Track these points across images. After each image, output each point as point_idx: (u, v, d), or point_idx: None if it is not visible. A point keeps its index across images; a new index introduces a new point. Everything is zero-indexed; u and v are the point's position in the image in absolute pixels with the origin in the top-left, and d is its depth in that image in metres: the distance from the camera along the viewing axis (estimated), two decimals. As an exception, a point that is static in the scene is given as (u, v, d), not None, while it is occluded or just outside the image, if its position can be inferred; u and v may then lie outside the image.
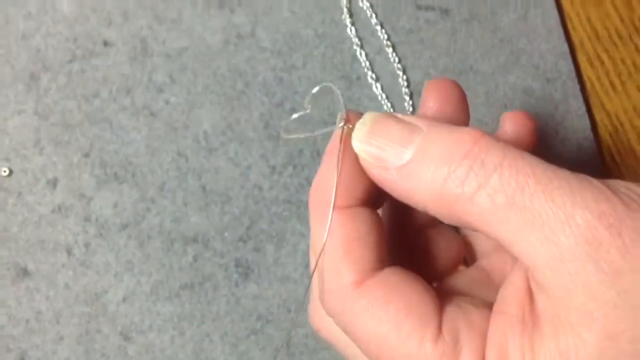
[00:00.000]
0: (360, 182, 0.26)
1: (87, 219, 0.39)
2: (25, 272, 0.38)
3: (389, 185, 0.25)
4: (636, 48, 0.43)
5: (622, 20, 0.43)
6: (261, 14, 0.41)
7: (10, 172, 0.39)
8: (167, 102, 0.40)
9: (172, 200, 0.39)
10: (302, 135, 0.29)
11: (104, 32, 0.41)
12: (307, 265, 0.38)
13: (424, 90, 0.29)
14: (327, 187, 0.26)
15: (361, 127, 0.26)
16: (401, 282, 0.25)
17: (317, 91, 0.29)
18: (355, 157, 0.26)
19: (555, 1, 0.43)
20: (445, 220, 0.25)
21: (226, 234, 0.39)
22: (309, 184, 0.39)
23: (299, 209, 0.39)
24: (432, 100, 0.28)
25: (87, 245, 0.38)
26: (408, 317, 0.24)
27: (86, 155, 0.39)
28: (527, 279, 0.24)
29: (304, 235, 0.39)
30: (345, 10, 0.42)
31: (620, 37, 0.43)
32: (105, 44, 0.41)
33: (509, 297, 0.24)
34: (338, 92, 0.28)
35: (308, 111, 0.30)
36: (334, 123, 0.27)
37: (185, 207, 0.39)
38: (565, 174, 0.22)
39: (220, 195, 0.39)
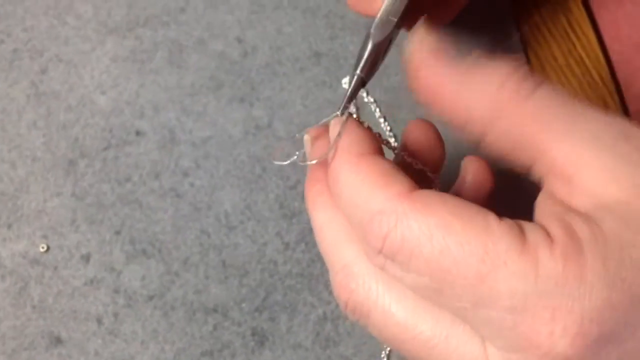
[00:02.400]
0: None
1: (116, 291, 0.42)
2: (58, 340, 0.41)
3: (441, 80, 0.26)
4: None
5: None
6: (277, 107, 0.46)
7: (48, 248, 0.43)
8: (192, 185, 0.44)
9: (194, 273, 0.43)
10: (288, 161, 0.31)
11: (137, 123, 0.46)
12: (318, 334, 0.42)
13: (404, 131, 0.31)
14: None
15: (417, 30, 0.27)
16: (445, 194, 0.25)
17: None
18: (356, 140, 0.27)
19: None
20: (497, 134, 0.25)
21: (244, 304, 0.42)
22: (320, 259, 0.43)
23: (311, 282, 0.43)
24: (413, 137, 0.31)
25: (116, 315, 0.42)
26: (466, 207, 0.24)
27: (117, 232, 0.43)
28: (557, 201, 0.25)
29: (315, 306, 0.42)
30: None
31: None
32: (138, 133, 0.46)
33: (545, 207, 0.25)
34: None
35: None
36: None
37: (206, 280, 0.42)
38: None
39: (239, 269, 0.43)
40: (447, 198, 0.24)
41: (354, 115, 0.29)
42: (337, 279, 0.27)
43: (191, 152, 0.45)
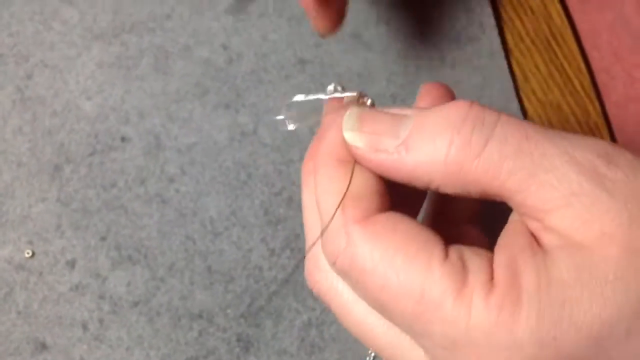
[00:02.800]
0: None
1: (101, 297, 0.42)
2: (43, 346, 0.41)
3: (388, 167, 0.25)
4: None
5: (579, 125, 0.49)
6: (262, 114, 0.47)
7: (33, 254, 0.43)
8: (177, 191, 0.45)
9: (180, 279, 0.43)
10: (304, 123, 0.30)
11: (122, 129, 0.46)
12: (303, 339, 0.42)
13: (418, 94, 0.30)
14: (333, 144, 0.27)
15: (349, 117, 0.26)
16: (404, 218, 0.25)
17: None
18: None
19: (519, 105, 0.49)
20: (451, 191, 0.25)
21: (229, 310, 0.42)
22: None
23: (296, 288, 0.43)
24: (425, 103, 0.29)
25: (101, 321, 0.42)
26: (414, 240, 0.24)
27: (103, 238, 0.43)
28: (526, 228, 0.24)
29: (300, 312, 0.43)
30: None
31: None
32: (123, 139, 0.46)
33: (511, 235, 0.24)
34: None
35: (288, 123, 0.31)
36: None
37: (192, 286, 0.43)
38: (552, 129, 0.24)
39: (224, 275, 0.43)
40: (400, 228, 0.24)
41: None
42: (307, 266, 0.28)
43: (177, 158, 0.45)
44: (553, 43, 0.51)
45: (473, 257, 0.24)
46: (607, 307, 0.22)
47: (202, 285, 0.43)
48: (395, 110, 0.26)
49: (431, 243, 0.24)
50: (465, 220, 0.31)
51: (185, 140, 0.46)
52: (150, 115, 0.46)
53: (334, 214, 0.25)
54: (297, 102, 0.31)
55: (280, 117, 0.31)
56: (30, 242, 0.43)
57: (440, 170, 0.24)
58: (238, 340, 0.42)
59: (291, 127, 0.31)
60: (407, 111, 0.26)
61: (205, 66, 0.48)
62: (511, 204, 0.25)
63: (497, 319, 0.22)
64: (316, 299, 0.43)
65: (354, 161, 0.26)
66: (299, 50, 0.48)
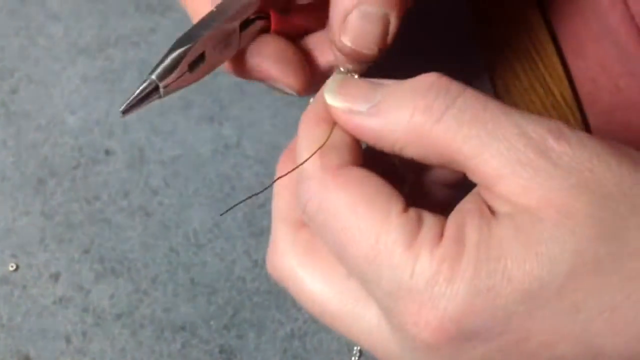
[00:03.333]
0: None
1: (85, 310, 0.42)
2: (27, 359, 0.41)
3: (359, 128, 0.28)
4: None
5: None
6: (246, 126, 0.47)
7: (17, 267, 0.43)
8: (161, 203, 0.45)
9: (163, 292, 0.43)
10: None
11: (106, 142, 0.46)
12: (285, 350, 0.42)
13: None
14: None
15: (332, 81, 0.29)
16: (373, 175, 0.27)
17: None
18: None
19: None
20: (414, 154, 0.27)
21: (212, 322, 0.42)
22: (288, 276, 0.44)
23: (278, 299, 0.43)
24: None
25: (84, 333, 0.42)
26: (378, 193, 0.26)
27: (86, 251, 0.44)
28: (479, 197, 0.26)
29: (283, 323, 0.43)
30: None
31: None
32: (107, 152, 0.46)
33: (466, 202, 0.27)
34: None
35: None
36: None
37: (175, 298, 0.43)
38: (513, 108, 0.26)
39: (207, 287, 0.43)
40: (367, 181, 0.27)
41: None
42: (268, 254, 0.31)
43: (160, 171, 0.46)
44: (534, 54, 0.52)
45: (429, 216, 0.26)
46: (539, 264, 0.23)
47: (186, 297, 0.43)
48: (376, 80, 0.29)
49: (394, 198, 0.26)
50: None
51: (169, 153, 0.46)
52: (134, 128, 0.47)
53: (308, 158, 0.28)
54: None
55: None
56: (14, 256, 0.43)
57: (404, 132, 0.26)
58: (221, 351, 0.42)
59: None
60: (387, 81, 0.28)
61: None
62: (467, 172, 0.26)
63: (438, 269, 0.24)
64: (299, 309, 0.43)
65: (333, 120, 0.29)
66: (282, 63, 0.49)
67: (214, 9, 0.32)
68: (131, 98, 0.29)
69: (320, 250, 0.29)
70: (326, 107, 0.29)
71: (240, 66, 0.35)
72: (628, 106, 0.50)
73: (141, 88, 0.29)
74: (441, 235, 0.25)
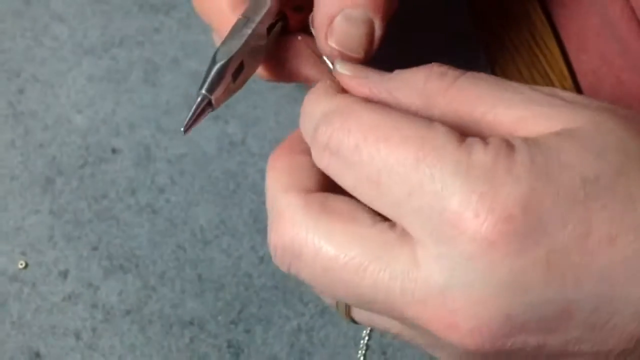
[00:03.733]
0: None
1: (94, 306, 0.43)
2: (37, 356, 0.42)
3: (373, 92, 0.28)
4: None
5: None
6: (251, 124, 0.48)
7: (26, 265, 0.44)
8: (167, 201, 0.45)
9: (171, 288, 0.44)
10: None
11: (113, 141, 0.47)
12: (292, 345, 0.43)
13: None
14: None
15: (341, 62, 0.31)
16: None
17: None
18: None
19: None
20: (429, 115, 0.27)
21: (219, 317, 0.43)
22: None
23: (285, 295, 0.44)
24: None
25: (94, 330, 0.42)
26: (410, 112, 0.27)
27: (95, 248, 0.44)
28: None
29: (289, 318, 0.43)
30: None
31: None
32: (114, 151, 0.47)
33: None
34: None
35: None
36: None
37: (183, 294, 0.43)
38: None
39: (214, 282, 0.44)
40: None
41: None
42: (270, 225, 0.29)
43: (167, 169, 0.46)
44: (535, 47, 0.52)
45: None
46: (592, 156, 0.24)
47: (193, 293, 0.43)
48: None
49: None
50: None
51: (175, 151, 0.47)
52: (141, 127, 0.47)
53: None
54: None
55: None
56: (24, 254, 0.44)
57: (419, 95, 0.27)
58: (229, 346, 0.42)
59: None
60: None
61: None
62: (482, 130, 0.26)
63: (495, 160, 0.23)
64: (306, 304, 0.43)
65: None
66: (285, 61, 0.49)
67: (241, 17, 0.33)
68: (189, 115, 0.30)
69: (336, 206, 0.27)
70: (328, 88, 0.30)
71: (279, 71, 0.35)
72: (629, 99, 0.50)
73: (196, 104, 0.31)
74: (485, 139, 0.25)
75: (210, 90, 0.30)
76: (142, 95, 0.48)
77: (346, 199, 0.27)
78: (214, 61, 0.31)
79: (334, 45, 0.31)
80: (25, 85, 0.48)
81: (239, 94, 0.48)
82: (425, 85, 0.27)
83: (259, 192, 0.46)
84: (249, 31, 0.32)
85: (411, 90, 0.27)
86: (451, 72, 0.27)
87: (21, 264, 0.43)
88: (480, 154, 0.24)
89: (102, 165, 0.46)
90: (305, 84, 0.35)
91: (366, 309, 0.28)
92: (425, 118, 0.26)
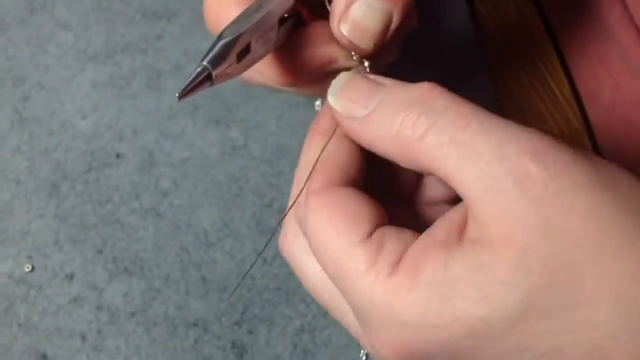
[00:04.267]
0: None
1: (99, 308, 0.43)
2: (44, 357, 0.42)
3: (355, 135, 0.29)
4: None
5: (561, 132, 0.51)
6: (252, 128, 0.48)
7: (33, 268, 0.44)
8: (171, 204, 0.46)
9: (175, 289, 0.44)
10: None
11: (117, 146, 0.47)
12: (295, 345, 0.43)
13: None
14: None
15: (336, 83, 0.30)
16: (354, 195, 0.28)
17: None
18: None
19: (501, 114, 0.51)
20: (405, 165, 0.28)
21: (223, 318, 0.44)
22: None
23: (288, 295, 0.44)
24: None
25: (99, 331, 0.43)
26: (349, 217, 0.28)
27: (100, 252, 0.45)
28: (464, 214, 0.26)
29: (292, 318, 0.44)
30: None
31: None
32: (118, 156, 0.47)
33: (441, 225, 0.27)
34: None
35: None
36: None
37: (187, 296, 0.44)
38: (504, 120, 0.25)
39: (218, 284, 0.44)
40: (342, 203, 0.28)
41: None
42: (283, 230, 0.33)
43: (170, 173, 0.47)
44: (534, 54, 0.53)
45: (392, 241, 0.27)
46: (488, 307, 0.24)
47: (197, 295, 0.44)
48: (379, 79, 0.29)
49: (362, 221, 0.27)
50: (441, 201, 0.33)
51: (178, 155, 0.47)
52: (144, 132, 0.48)
53: (304, 184, 0.30)
54: None
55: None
56: (30, 257, 0.44)
57: (392, 145, 0.27)
58: (233, 347, 0.43)
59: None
60: (387, 81, 0.29)
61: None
62: (450, 184, 0.27)
63: (391, 298, 0.26)
64: (308, 304, 0.44)
65: (329, 134, 0.30)
66: (286, 66, 0.50)
67: (254, 3, 0.32)
68: (186, 84, 0.29)
69: (345, 209, 0.29)
70: (324, 120, 0.31)
71: (288, 68, 0.35)
72: (628, 103, 0.51)
73: (195, 74, 0.29)
74: (399, 262, 0.26)
75: (212, 63, 0.30)
76: (146, 100, 0.49)
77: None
78: (220, 37, 0.30)
79: (345, 32, 0.31)
80: (31, 92, 0.49)
81: (239, 98, 0.49)
82: (396, 135, 0.27)
83: (261, 195, 0.47)
84: (259, 15, 0.31)
85: (384, 138, 0.28)
86: (420, 123, 0.26)
87: (27, 267, 0.44)
88: (380, 289, 0.26)
89: (106, 170, 0.47)
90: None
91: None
92: (349, 232, 0.27)
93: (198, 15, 0.51)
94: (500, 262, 0.24)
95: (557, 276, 0.24)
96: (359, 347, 0.43)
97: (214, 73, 0.30)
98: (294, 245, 0.31)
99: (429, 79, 0.28)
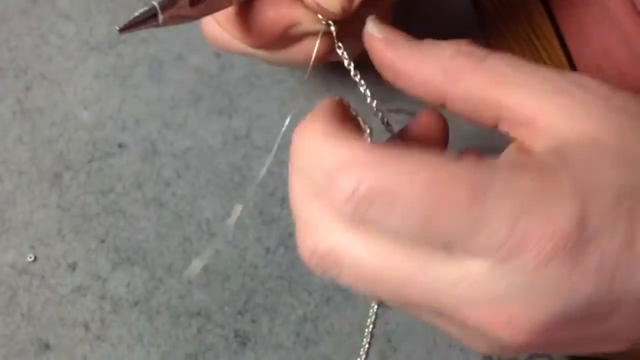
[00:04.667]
0: None
1: (102, 298, 0.43)
2: (47, 347, 0.42)
3: (398, 60, 0.28)
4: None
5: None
6: (254, 118, 0.48)
7: (35, 258, 0.44)
8: (173, 194, 0.46)
9: (178, 279, 0.44)
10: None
11: (119, 136, 0.47)
12: (298, 334, 0.43)
13: (415, 119, 0.32)
14: None
15: (374, 20, 0.30)
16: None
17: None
18: None
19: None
20: (450, 95, 0.27)
21: (226, 308, 0.44)
22: (299, 261, 0.45)
23: (291, 284, 0.44)
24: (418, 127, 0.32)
25: (102, 321, 0.43)
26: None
27: (102, 241, 0.45)
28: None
29: (295, 307, 0.44)
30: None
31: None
32: (120, 146, 0.47)
33: (507, 152, 0.27)
34: None
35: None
36: None
37: (189, 285, 0.44)
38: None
39: (221, 274, 0.44)
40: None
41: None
42: (301, 236, 0.27)
43: (172, 163, 0.47)
44: (535, 41, 0.53)
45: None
46: (627, 176, 0.25)
47: (200, 284, 0.44)
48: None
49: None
50: None
51: (180, 145, 0.47)
52: (146, 122, 0.48)
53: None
54: None
55: None
56: (33, 247, 0.44)
57: (443, 70, 0.27)
58: (236, 336, 0.43)
59: None
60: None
61: (198, 74, 0.49)
62: (502, 116, 0.27)
63: (542, 181, 0.24)
64: (311, 293, 0.44)
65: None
66: (288, 56, 0.50)
67: None
68: (130, 19, 0.29)
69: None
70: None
71: (248, 25, 0.34)
72: (632, 92, 0.51)
73: (142, 11, 0.29)
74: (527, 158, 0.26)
75: (162, 5, 0.29)
76: (148, 91, 0.49)
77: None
78: None
79: None
80: (33, 83, 0.48)
81: (242, 87, 0.49)
82: (452, 62, 0.27)
83: (264, 184, 0.47)
84: None
85: (436, 64, 0.27)
86: (478, 52, 0.27)
87: (30, 257, 0.44)
88: (525, 180, 0.24)
89: (108, 160, 0.47)
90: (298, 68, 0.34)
91: (408, 308, 0.27)
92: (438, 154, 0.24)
93: (200, 5, 0.51)
94: (616, 141, 0.25)
95: None
96: (361, 335, 0.43)
97: (161, 15, 0.29)
98: (337, 234, 0.25)
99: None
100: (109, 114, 0.48)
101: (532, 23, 0.53)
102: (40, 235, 0.45)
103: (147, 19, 0.29)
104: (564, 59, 0.52)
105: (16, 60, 0.49)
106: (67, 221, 0.45)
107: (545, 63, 0.52)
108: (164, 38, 0.50)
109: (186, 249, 0.45)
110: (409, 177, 0.24)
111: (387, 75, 0.29)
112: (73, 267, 0.44)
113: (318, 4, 0.31)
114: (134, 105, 0.48)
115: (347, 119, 0.28)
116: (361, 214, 0.24)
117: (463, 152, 0.28)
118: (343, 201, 0.24)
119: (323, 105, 0.29)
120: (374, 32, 0.29)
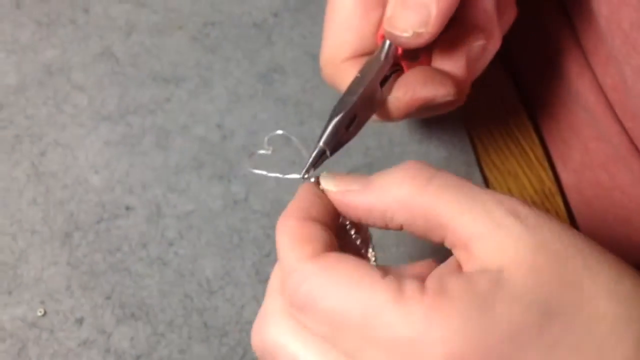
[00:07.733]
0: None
1: (107, 351, 0.46)
2: (54, 397, 0.45)
3: (353, 204, 0.32)
4: (545, 209, 0.55)
5: (535, 191, 0.55)
6: (253, 184, 0.52)
7: (45, 312, 0.47)
8: (176, 254, 0.50)
9: (179, 334, 0.47)
10: (266, 173, 0.38)
11: (127, 199, 0.51)
12: (291, 387, 0.46)
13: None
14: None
15: (326, 174, 0.34)
16: (348, 255, 0.30)
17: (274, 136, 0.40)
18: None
19: (481, 175, 0.55)
20: (403, 222, 0.30)
21: (224, 361, 0.47)
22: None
23: (284, 340, 0.47)
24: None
25: (107, 373, 0.46)
26: (358, 269, 0.29)
27: (108, 298, 0.48)
28: (454, 263, 0.30)
29: (289, 361, 0.47)
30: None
31: (534, 203, 0.55)
32: (127, 208, 0.51)
33: (441, 267, 0.30)
34: (294, 139, 0.39)
35: (269, 152, 0.41)
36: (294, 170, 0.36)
37: (189, 340, 0.47)
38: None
39: (219, 329, 0.47)
40: (344, 260, 0.30)
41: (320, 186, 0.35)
42: (255, 324, 0.33)
43: (176, 224, 0.50)
44: (508, 118, 0.58)
45: (406, 276, 0.29)
46: (520, 312, 0.27)
47: (199, 339, 0.47)
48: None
49: (372, 269, 0.29)
50: None
51: (183, 208, 0.51)
52: (152, 186, 0.52)
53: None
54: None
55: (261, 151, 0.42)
56: (43, 302, 0.47)
57: (393, 201, 0.31)
58: (232, 388, 0.46)
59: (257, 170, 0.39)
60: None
61: (201, 142, 0.53)
62: (446, 237, 0.30)
63: (431, 315, 0.27)
64: (303, 349, 0.47)
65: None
66: (285, 128, 0.54)
67: (358, 75, 0.38)
68: (308, 164, 0.35)
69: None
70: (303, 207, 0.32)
71: (401, 108, 0.39)
72: (597, 166, 0.55)
73: (315, 154, 0.35)
74: (423, 288, 0.28)
75: (327, 142, 0.35)
76: (154, 157, 0.53)
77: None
78: (331, 117, 0.36)
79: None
80: (47, 148, 0.52)
81: (241, 156, 0.53)
82: (399, 190, 0.30)
83: (260, 246, 0.50)
84: (362, 89, 0.37)
85: (387, 197, 0.31)
86: (422, 175, 0.30)
87: (40, 312, 0.47)
88: (417, 311, 0.27)
89: (116, 221, 0.50)
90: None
91: None
92: (365, 276, 0.28)
93: (204, 81, 0.56)
94: (512, 280, 0.27)
95: (564, 279, 0.28)
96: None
97: (328, 150, 0.35)
98: (282, 336, 0.30)
99: (414, 146, 0.32)
100: (118, 178, 0.52)
101: (505, 102, 0.58)
102: (50, 291, 0.48)
103: (320, 157, 0.35)
104: (535, 136, 0.57)
105: (32, 127, 0.53)
106: (76, 278, 0.48)
107: (517, 139, 0.57)
108: (170, 110, 0.54)
109: (186, 306, 0.48)
110: (328, 292, 0.29)
111: (350, 217, 0.33)
112: (80, 321, 0.47)
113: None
114: (141, 170, 0.52)
115: (315, 212, 0.32)
116: (298, 317, 0.30)
117: (417, 263, 0.32)
118: (289, 303, 0.30)
119: (298, 197, 0.34)
120: (329, 188, 0.33)
